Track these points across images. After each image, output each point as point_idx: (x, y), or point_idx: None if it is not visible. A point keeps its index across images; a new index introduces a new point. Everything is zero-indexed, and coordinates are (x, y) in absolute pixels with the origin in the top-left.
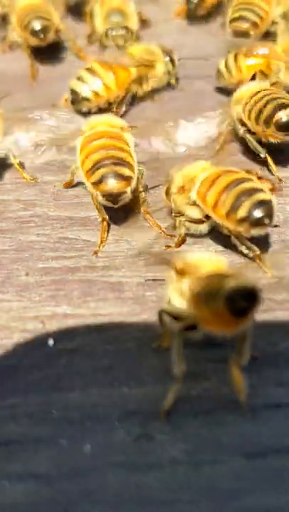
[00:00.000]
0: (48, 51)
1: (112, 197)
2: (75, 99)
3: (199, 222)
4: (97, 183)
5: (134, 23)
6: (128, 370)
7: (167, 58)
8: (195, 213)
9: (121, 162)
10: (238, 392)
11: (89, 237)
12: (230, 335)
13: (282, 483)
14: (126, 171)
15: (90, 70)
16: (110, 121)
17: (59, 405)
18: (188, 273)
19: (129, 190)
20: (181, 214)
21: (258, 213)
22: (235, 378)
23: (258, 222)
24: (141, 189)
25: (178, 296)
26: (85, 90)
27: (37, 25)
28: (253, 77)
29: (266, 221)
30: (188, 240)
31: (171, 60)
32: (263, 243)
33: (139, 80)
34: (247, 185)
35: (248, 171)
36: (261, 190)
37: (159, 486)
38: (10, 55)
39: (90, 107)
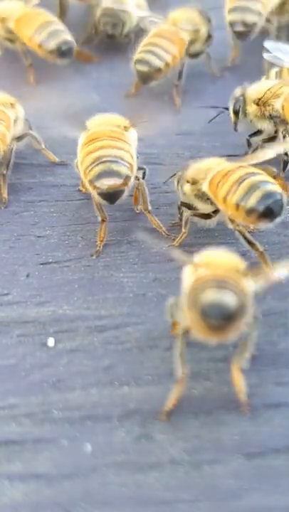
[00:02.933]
0: None
1: (108, 195)
2: (148, 72)
3: (207, 217)
4: (93, 181)
5: None
6: (128, 370)
7: (207, 21)
8: (204, 207)
9: (119, 161)
10: (238, 393)
11: (89, 237)
12: (217, 342)
13: (282, 483)
14: (123, 170)
15: (153, 44)
16: (114, 120)
17: (59, 405)
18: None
19: (126, 189)
20: (188, 207)
21: (266, 204)
22: (235, 379)
23: (266, 214)
24: (143, 188)
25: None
26: (156, 61)
27: (65, 49)
28: None
29: (274, 213)
30: (189, 240)
31: (209, 22)
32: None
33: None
34: (259, 177)
35: (263, 169)
36: (272, 184)
37: (159, 486)
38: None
39: (158, 79)
